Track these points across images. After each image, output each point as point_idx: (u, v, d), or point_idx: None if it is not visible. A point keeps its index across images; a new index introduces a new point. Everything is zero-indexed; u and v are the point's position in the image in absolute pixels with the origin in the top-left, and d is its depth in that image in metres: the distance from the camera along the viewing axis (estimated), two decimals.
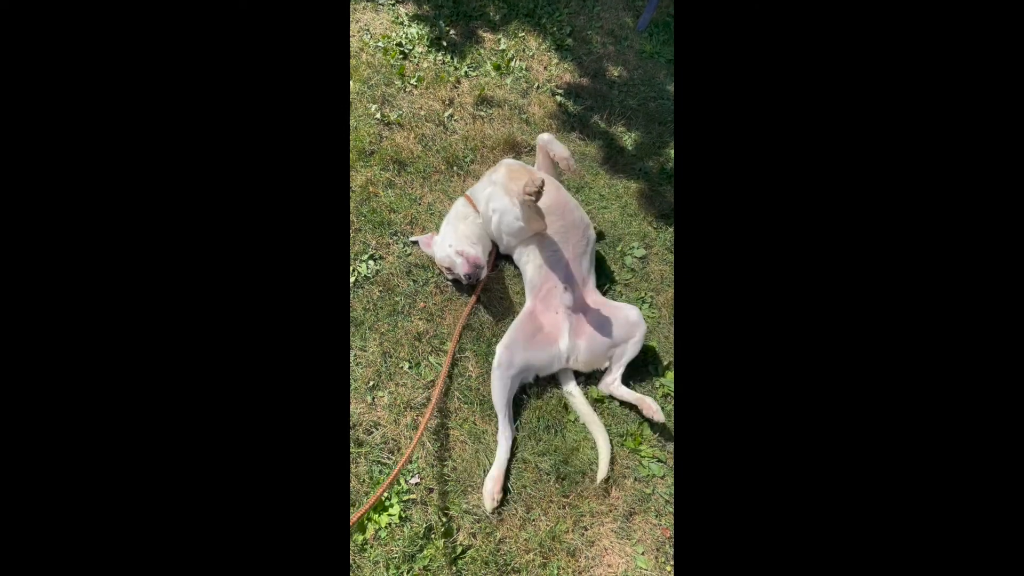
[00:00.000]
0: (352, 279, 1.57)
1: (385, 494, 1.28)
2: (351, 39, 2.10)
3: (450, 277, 1.58)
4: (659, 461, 1.42)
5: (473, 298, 1.57)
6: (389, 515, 1.26)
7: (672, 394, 1.53)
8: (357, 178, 1.75)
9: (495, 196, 1.54)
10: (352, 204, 1.70)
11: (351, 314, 1.51)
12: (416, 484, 1.32)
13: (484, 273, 1.52)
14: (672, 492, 1.38)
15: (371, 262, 1.61)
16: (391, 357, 1.47)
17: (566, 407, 1.48)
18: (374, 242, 1.65)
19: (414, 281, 1.61)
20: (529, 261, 1.55)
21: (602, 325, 1.48)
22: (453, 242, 1.52)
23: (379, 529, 1.25)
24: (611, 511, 1.34)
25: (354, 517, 1.03)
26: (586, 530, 1.31)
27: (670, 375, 1.55)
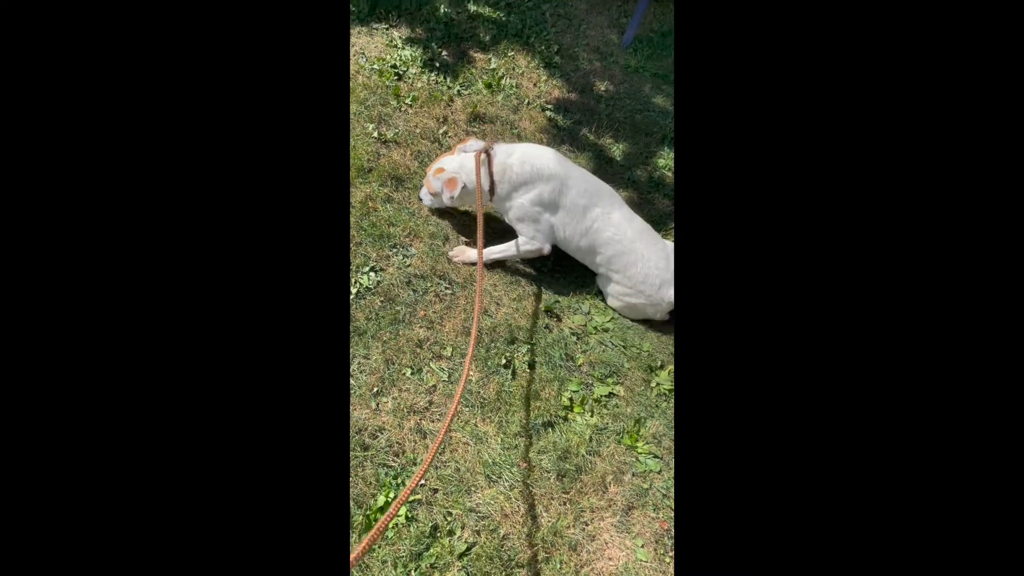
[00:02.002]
0: (354, 291, 1.63)
1: (392, 495, 1.32)
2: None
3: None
4: (655, 457, 1.47)
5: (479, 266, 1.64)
6: (396, 516, 1.31)
7: (666, 392, 1.58)
8: (357, 194, 1.82)
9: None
10: (352, 219, 1.76)
11: (354, 324, 1.57)
12: (421, 485, 1.36)
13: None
14: (668, 487, 1.43)
15: (372, 274, 1.67)
16: (394, 364, 1.53)
17: (566, 405, 1.53)
18: (374, 255, 1.71)
19: (414, 291, 1.67)
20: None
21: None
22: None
23: (386, 529, 1.29)
24: (610, 506, 1.39)
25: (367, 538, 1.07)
26: (587, 525, 1.36)
27: (663, 374, 1.61)
